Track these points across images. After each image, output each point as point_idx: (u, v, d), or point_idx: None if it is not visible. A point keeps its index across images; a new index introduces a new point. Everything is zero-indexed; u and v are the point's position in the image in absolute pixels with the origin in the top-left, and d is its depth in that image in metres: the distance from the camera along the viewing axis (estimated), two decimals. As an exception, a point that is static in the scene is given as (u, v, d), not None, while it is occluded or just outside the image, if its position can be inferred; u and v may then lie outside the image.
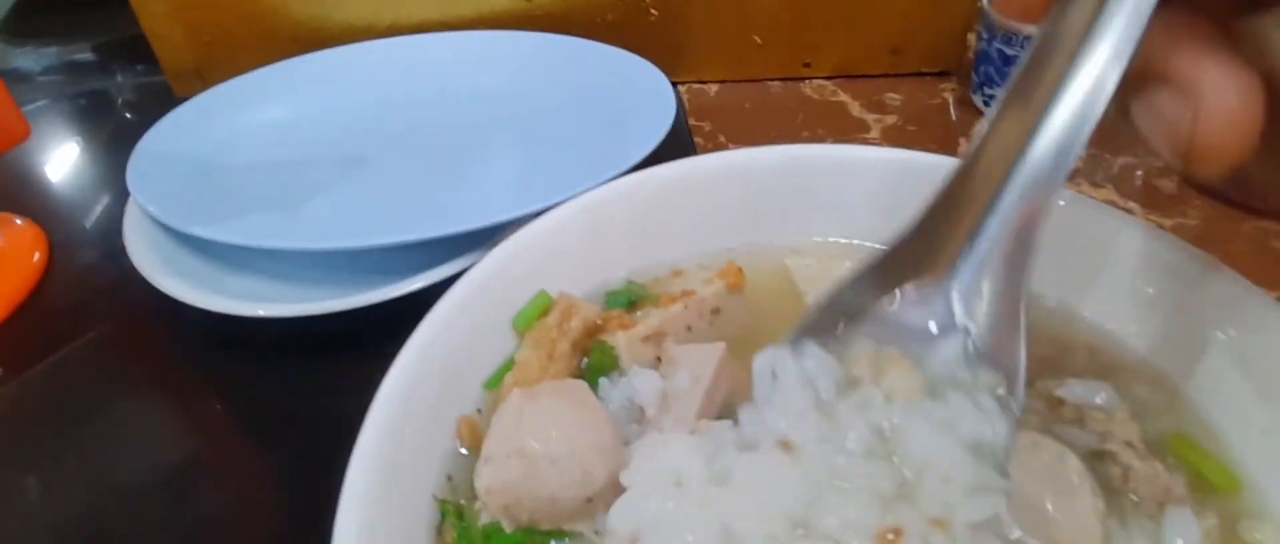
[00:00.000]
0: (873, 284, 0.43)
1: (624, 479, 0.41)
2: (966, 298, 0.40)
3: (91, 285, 0.86)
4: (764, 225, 0.62)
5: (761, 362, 0.42)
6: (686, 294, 0.57)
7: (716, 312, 0.57)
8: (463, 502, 0.45)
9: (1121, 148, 0.94)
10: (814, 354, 0.42)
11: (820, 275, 0.58)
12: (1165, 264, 0.53)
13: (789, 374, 0.41)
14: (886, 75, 1.08)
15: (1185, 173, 0.34)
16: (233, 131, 0.94)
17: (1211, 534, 0.44)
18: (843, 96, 1.06)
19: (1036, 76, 0.35)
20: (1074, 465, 0.44)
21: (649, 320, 0.55)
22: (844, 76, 1.08)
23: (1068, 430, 0.48)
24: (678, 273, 0.60)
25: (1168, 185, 0.89)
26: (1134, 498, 0.45)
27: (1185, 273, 0.52)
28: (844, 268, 0.44)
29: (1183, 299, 0.53)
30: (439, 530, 0.44)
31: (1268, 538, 0.44)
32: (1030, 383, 0.41)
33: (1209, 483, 0.46)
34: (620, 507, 0.40)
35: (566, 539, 0.43)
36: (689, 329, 0.56)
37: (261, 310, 0.70)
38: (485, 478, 0.42)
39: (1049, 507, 0.42)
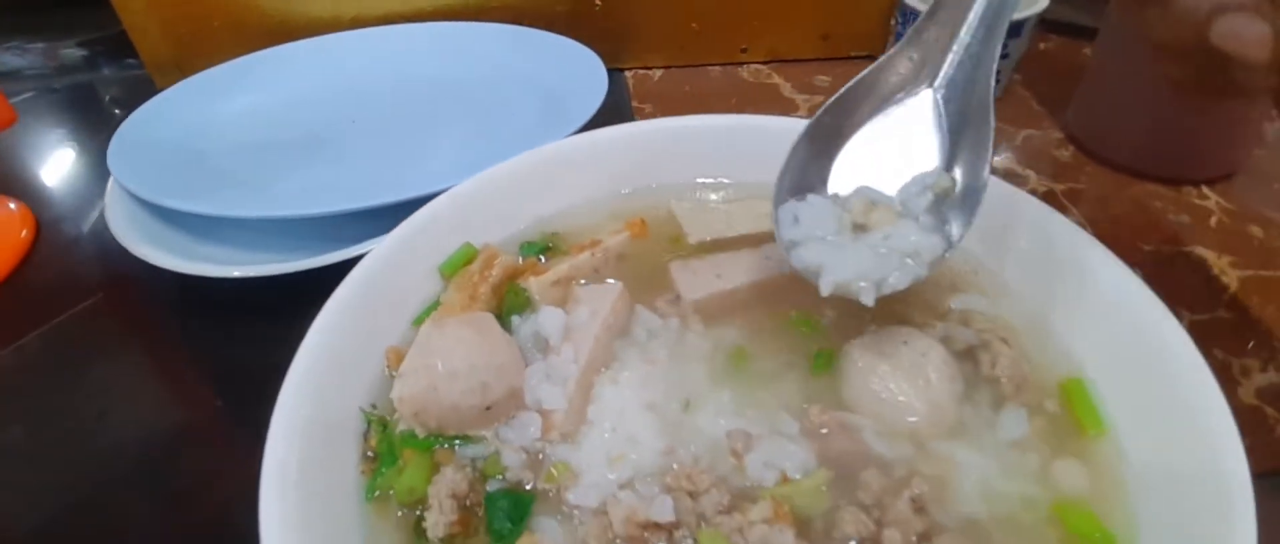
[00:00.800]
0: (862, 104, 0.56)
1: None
2: (944, 99, 0.54)
3: (77, 257, 0.94)
4: (653, 175, 0.71)
5: (784, 210, 0.55)
6: (594, 243, 0.65)
7: (622, 258, 0.65)
8: (388, 416, 0.53)
9: (1024, 123, 1.03)
10: (819, 202, 0.55)
11: (699, 215, 0.68)
12: (1042, 228, 0.61)
13: (807, 216, 0.55)
14: (817, 59, 1.16)
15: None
16: (207, 117, 1.02)
17: (1041, 433, 0.52)
18: (776, 79, 1.14)
19: None
20: (937, 358, 0.52)
21: (559, 267, 0.63)
22: (778, 61, 1.16)
23: (953, 328, 0.57)
24: (590, 226, 0.68)
25: (1064, 155, 0.97)
26: (1001, 381, 0.53)
27: (1058, 237, 0.60)
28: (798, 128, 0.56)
29: (1048, 254, 0.60)
30: (365, 436, 0.52)
31: (1073, 477, 0.49)
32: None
33: (1079, 423, 0.52)
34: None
35: (468, 443, 0.51)
36: (596, 272, 0.64)
37: (236, 271, 0.77)
38: (398, 390, 0.50)
39: (909, 394, 0.51)
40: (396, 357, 0.56)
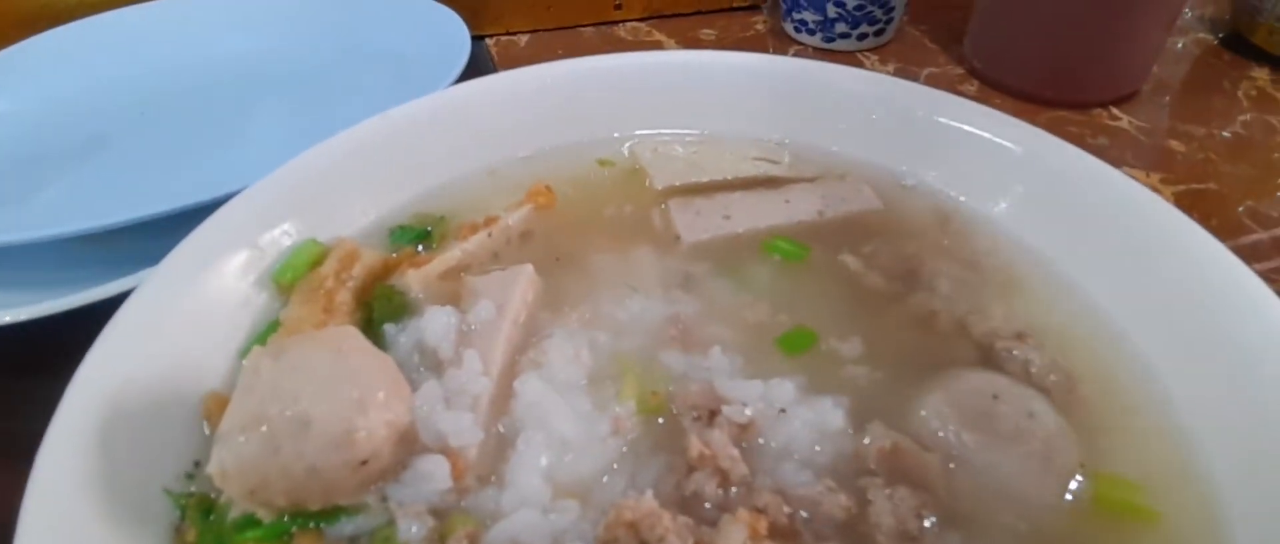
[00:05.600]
0: None
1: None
2: None
3: None
4: (553, 132, 0.56)
5: None
6: (490, 221, 0.50)
7: (526, 236, 0.51)
8: (212, 494, 0.36)
9: (923, 61, 0.97)
10: None
11: (665, 161, 0.55)
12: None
13: None
14: (699, 12, 1.05)
15: None
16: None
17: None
18: (658, 36, 1.02)
19: None
20: (1048, 421, 0.39)
21: (447, 255, 0.47)
22: (657, 16, 1.05)
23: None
24: (481, 200, 0.53)
25: (969, 90, 0.92)
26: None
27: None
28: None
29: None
30: (178, 530, 0.35)
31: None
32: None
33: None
34: None
35: (342, 518, 0.35)
36: (496, 257, 0.49)
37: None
38: (218, 460, 0.32)
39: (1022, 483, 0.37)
40: (220, 406, 0.38)
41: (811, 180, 0.54)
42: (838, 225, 0.51)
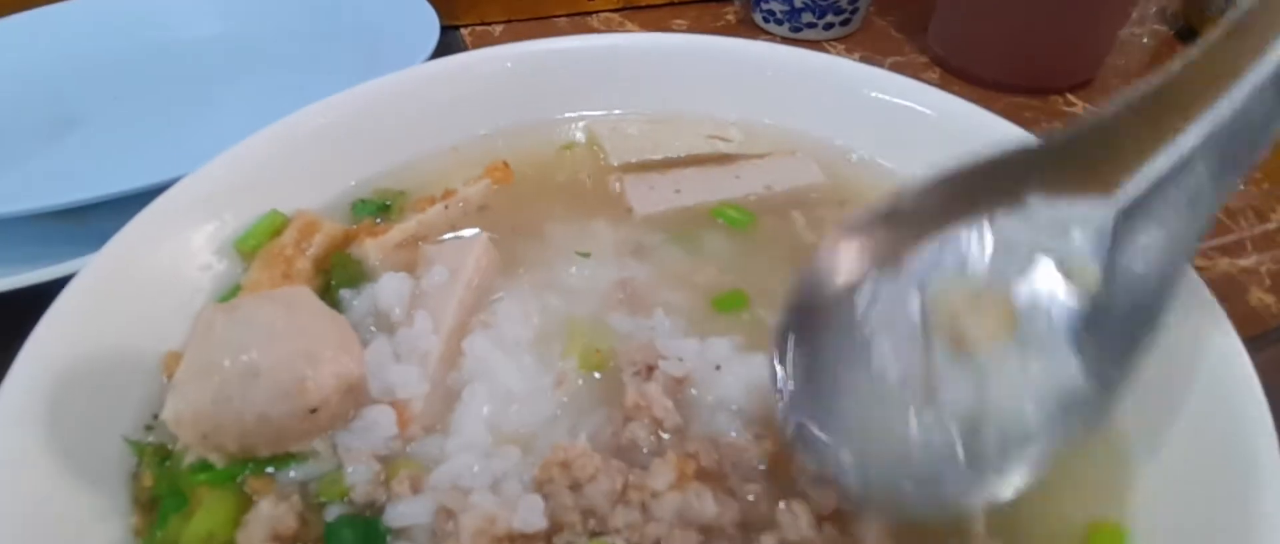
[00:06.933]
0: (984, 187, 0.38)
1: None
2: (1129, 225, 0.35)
3: None
4: (512, 111, 0.58)
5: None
6: (447, 194, 0.51)
7: (483, 209, 0.52)
8: (170, 443, 0.38)
9: (888, 50, 0.99)
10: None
11: (621, 138, 0.57)
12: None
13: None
14: (671, 3, 1.07)
15: None
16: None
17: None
18: (630, 26, 1.04)
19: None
20: None
21: (404, 225, 0.49)
22: (630, 7, 1.07)
23: None
24: (440, 176, 0.55)
25: (931, 78, 0.94)
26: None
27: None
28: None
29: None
30: (136, 476, 0.37)
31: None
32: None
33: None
34: None
35: (293, 463, 0.36)
36: (453, 228, 0.51)
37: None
38: (172, 408, 0.34)
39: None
40: (179, 363, 0.40)
41: (762, 157, 0.56)
42: (785, 199, 0.53)
